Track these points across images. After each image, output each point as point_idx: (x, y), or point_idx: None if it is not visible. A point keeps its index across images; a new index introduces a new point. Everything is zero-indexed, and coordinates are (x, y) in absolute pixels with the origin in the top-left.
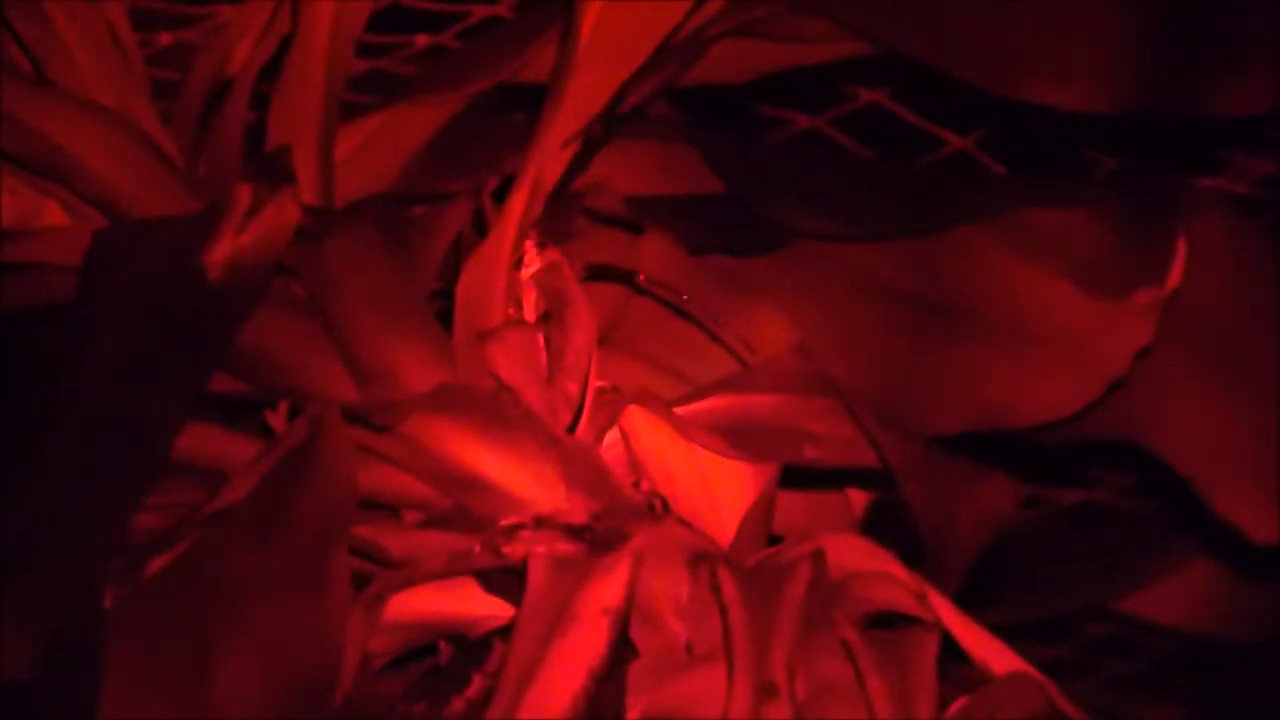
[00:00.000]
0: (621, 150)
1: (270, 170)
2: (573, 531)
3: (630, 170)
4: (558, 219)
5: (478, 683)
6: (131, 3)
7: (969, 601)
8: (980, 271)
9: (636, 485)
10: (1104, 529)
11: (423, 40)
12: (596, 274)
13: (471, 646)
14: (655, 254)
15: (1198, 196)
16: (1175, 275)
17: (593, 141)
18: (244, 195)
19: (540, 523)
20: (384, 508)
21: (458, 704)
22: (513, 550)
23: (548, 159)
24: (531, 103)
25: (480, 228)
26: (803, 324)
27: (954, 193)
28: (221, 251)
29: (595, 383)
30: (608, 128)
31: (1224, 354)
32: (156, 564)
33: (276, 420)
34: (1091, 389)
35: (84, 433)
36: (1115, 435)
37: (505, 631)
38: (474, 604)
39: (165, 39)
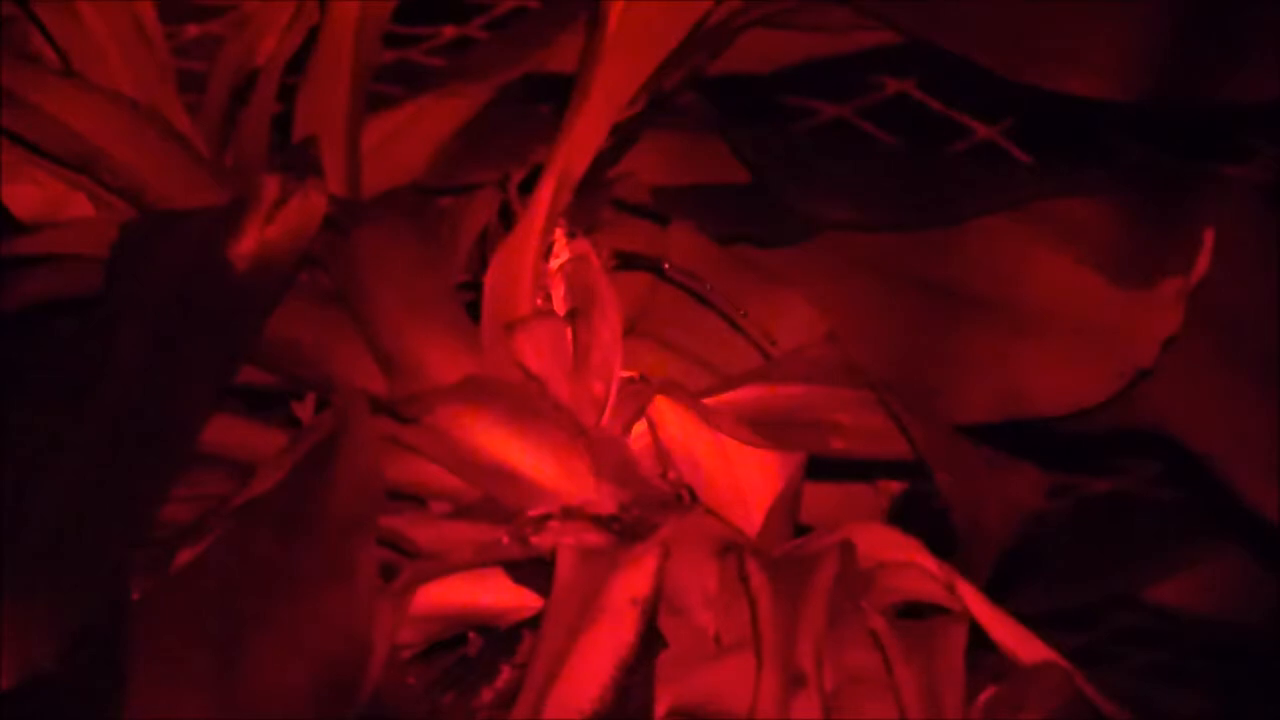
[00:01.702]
0: (648, 140)
1: (297, 161)
2: (601, 522)
3: (657, 160)
4: (585, 208)
5: (506, 674)
6: None
7: (997, 590)
8: (1007, 261)
9: (664, 475)
10: (1131, 518)
11: (449, 31)
12: (624, 263)
13: (500, 637)
14: (682, 243)
15: (1223, 185)
16: (1202, 264)
17: (622, 133)
18: (271, 186)
19: (568, 513)
20: (411, 499)
21: (487, 695)
22: (541, 541)
23: (575, 150)
24: (559, 93)
25: (507, 219)
26: (829, 313)
27: (980, 182)
28: (249, 243)
29: (622, 373)
30: (637, 120)
31: (1249, 342)
32: (184, 555)
33: (304, 411)
34: (1118, 378)
35: (111, 424)
36: (1142, 424)
37: (534, 622)
38: (502, 595)
39: (192, 31)
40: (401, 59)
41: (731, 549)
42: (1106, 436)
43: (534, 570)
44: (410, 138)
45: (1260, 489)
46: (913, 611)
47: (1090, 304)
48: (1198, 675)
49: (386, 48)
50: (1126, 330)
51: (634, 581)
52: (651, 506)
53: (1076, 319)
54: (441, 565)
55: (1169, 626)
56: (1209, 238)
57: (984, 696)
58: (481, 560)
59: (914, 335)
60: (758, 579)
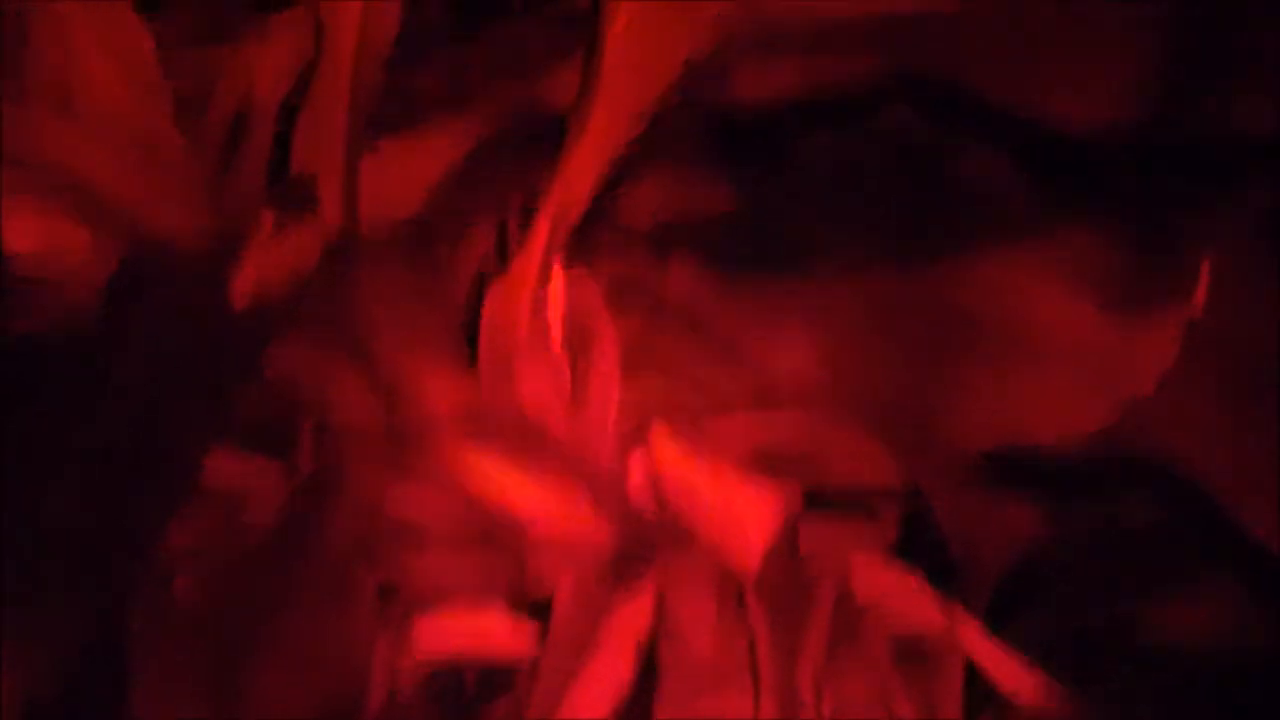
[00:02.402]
0: (648, 170)
1: (295, 196)
2: (599, 554)
3: (656, 188)
4: (583, 235)
5: (503, 708)
6: (154, 17)
7: (993, 618)
8: (1003, 291)
9: (662, 509)
10: (1129, 547)
11: (447, 56)
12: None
13: (497, 671)
14: (682, 271)
15: (1220, 213)
16: (1200, 294)
17: (619, 167)
18: (269, 221)
19: (566, 545)
20: (410, 532)
21: None
22: (539, 573)
23: (571, 185)
24: (559, 127)
25: (505, 253)
26: (827, 342)
27: (976, 212)
28: (247, 276)
29: (620, 403)
30: (635, 154)
31: (1249, 372)
32: (183, 584)
33: (303, 445)
34: (1115, 408)
35: (111, 457)
36: (1141, 455)
37: (532, 656)
38: (500, 627)
39: (188, 54)
40: (396, 83)
41: (730, 581)
42: (1106, 467)
43: (532, 605)
44: (408, 171)
45: (1262, 520)
46: (912, 642)
47: (1088, 333)
48: (1193, 705)
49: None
50: (1125, 359)
51: (632, 617)
52: (649, 542)
53: (1073, 349)
54: (438, 597)
55: (1164, 655)
56: (1206, 268)
57: None
58: (479, 591)
59: (912, 364)
60: (756, 611)
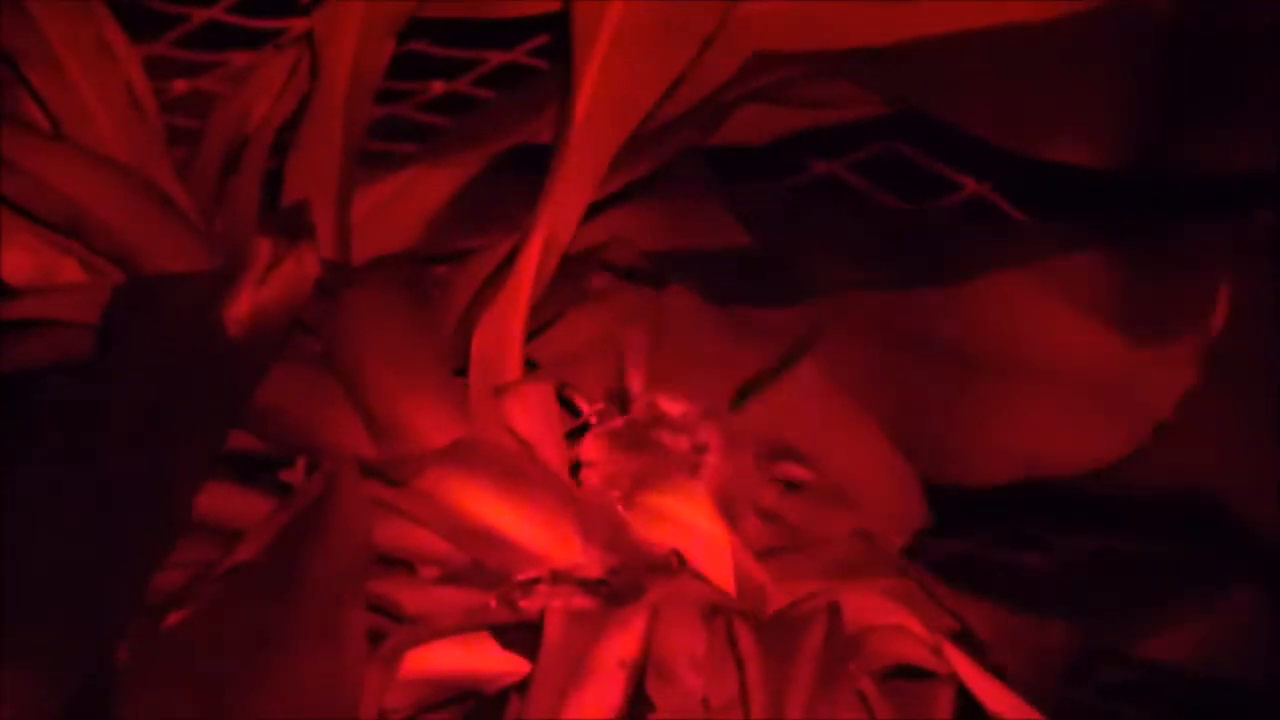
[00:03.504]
0: (642, 206)
1: (289, 224)
2: (589, 586)
3: (650, 226)
4: (576, 277)
5: None
6: (147, 50)
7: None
8: (1013, 318)
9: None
10: (1122, 573)
11: (438, 87)
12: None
13: (487, 703)
14: (678, 304)
15: (1228, 237)
16: (1219, 318)
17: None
18: (263, 249)
19: (557, 578)
20: (400, 563)
21: None
22: (529, 605)
23: (559, 214)
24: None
25: (496, 285)
26: (834, 374)
27: (979, 239)
28: (241, 306)
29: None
30: (630, 187)
31: (1266, 396)
32: (174, 618)
33: (294, 477)
34: (1136, 435)
35: (105, 489)
36: (1175, 484)
37: (521, 687)
38: (490, 660)
39: (181, 86)
40: (390, 114)
41: (720, 612)
42: (1138, 496)
43: (522, 635)
44: (402, 206)
45: None
46: (902, 675)
47: (1102, 360)
48: None
49: (375, 103)
50: (1142, 386)
51: (622, 644)
52: (639, 570)
53: (1089, 375)
54: (429, 630)
55: (1160, 683)
56: (1225, 292)
57: None
58: (469, 625)
59: (921, 397)
60: (746, 641)
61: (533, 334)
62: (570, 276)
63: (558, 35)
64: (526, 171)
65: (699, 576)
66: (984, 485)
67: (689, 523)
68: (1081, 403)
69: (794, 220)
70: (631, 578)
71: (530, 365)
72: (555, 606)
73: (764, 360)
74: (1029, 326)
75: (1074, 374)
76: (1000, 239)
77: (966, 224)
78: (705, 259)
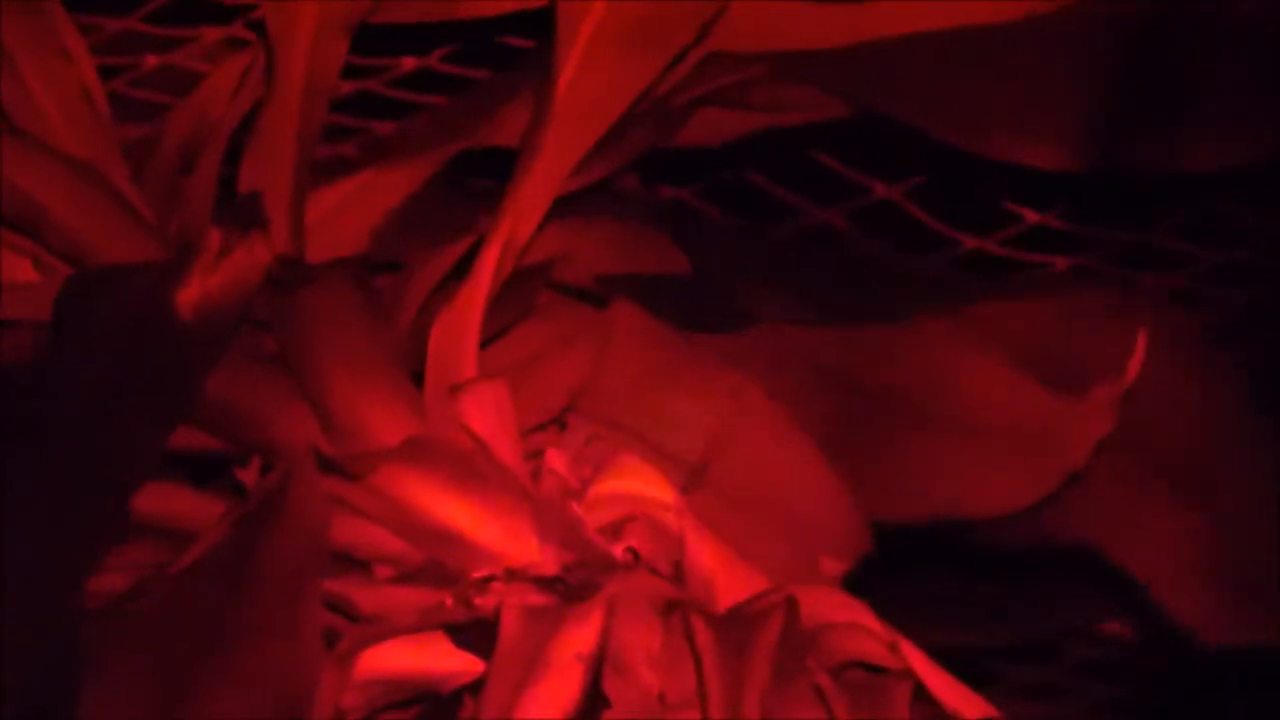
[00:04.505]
0: (588, 227)
1: (242, 214)
2: (545, 583)
3: (597, 248)
4: (521, 292)
5: None
6: (118, 25)
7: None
8: (939, 363)
9: (609, 537)
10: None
11: (409, 63)
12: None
13: (442, 703)
14: (625, 321)
15: (1147, 294)
16: (1134, 368)
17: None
18: (215, 238)
19: (512, 575)
20: (355, 563)
21: None
22: (485, 603)
23: (521, 216)
24: (504, 167)
25: (453, 284)
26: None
27: (912, 288)
28: (192, 293)
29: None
30: (584, 199)
31: (1174, 458)
32: (129, 614)
33: (248, 476)
34: (1049, 482)
35: (51, 476)
36: (1070, 538)
37: (476, 687)
38: (445, 659)
39: (151, 62)
40: (361, 90)
41: (676, 607)
42: (1034, 549)
43: (477, 634)
44: (355, 211)
45: (1186, 607)
46: (857, 670)
47: (1019, 407)
48: (1154, 708)
49: (345, 78)
50: (1058, 434)
51: (579, 638)
52: (595, 567)
53: (1005, 422)
54: (384, 629)
55: (1128, 660)
56: (1141, 341)
57: None
58: (425, 624)
59: (847, 432)
60: (703, 636)
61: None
62: (518, 290)
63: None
64: (478, 176)
65: (655, 572)
66: (902, 525)
67: (640, 496)
68: (998, 448)
69: (734, 250)
70: (587, 574)
71: None
72: (511, 603)
73: (711, 380)
74: (951, 372)
75: (991, 419)
76: (929, 288)
77: (901, 271)
78: (649, 284)
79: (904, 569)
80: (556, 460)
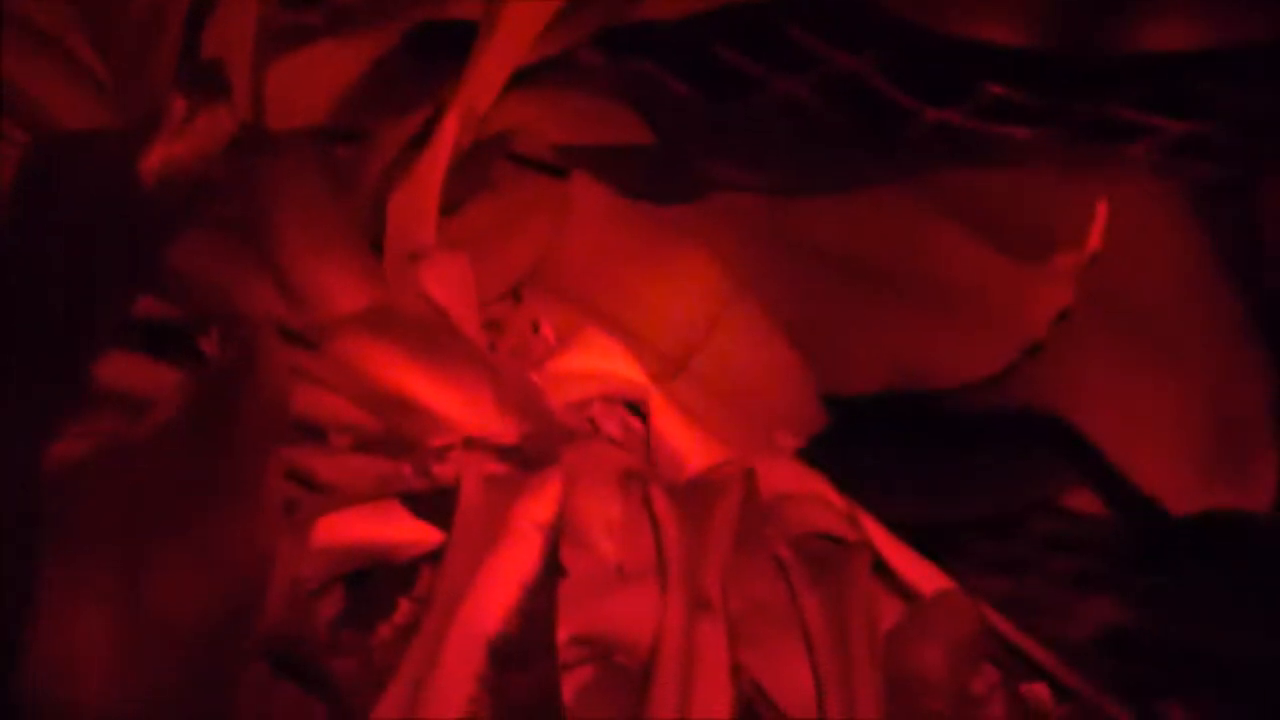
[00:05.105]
0: (550, 100)
1: (205, 81)
2: (504, 452)
3: (558, 120)
4: (480, 163)
5: (405, 608)
6: None
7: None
8: (900, 232)
9: (567, 410)
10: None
11: None
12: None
13: (398, 572)
14: (584, 195)
15: (1118, 160)
16: (1095, 238)
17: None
18: (178, 105)
19: (471, 443)
20: (313, 431)
21: (385, 631)
22: (443, 471)
23: (481, 84)
24: (461, 40)
25: (412, 153)
26: (730, 274)
27: (875, 154)
28: (155, 159)
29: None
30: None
31: (1141, 323)
32: (88, 479)
33: (209, 346)
34: (1009, 352)
35: (7, 349)
36: (1035, 407)
37: (433, 557)
38: (402, 529)
39: None
40: None
41: (634, 477)
42: (999, 417)
43: (435, 504)
44: (313, 81)
45: (1151, 472)
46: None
47: (982, 277)
48: (1117, 581)
49: None
50: (1018, 304)
51: (538, 506)
52: (554, 436)
53: (968, 292)
54: (341, 498)
55: (1088, 533)
56: (1102, 211)
57: (888, 628)
58: (382, 493)
59: (807, 303)
60: (661, 505)
61: None
62: (477, 161)
63: None
64: (436, 48)
65: (614, 442)
66: (859, 394)
67: (606, 371)
68: (959, 318)
69: (693, 118)
70: (546, 443)
71: None
72: (470, 471)
73: (669, 255)
74: (913, 241)
75: (954, 289)
76: (892, 154)
77: (864, 136)
78: (609, 154)
79: (864, 442)
80: (515, 329)
